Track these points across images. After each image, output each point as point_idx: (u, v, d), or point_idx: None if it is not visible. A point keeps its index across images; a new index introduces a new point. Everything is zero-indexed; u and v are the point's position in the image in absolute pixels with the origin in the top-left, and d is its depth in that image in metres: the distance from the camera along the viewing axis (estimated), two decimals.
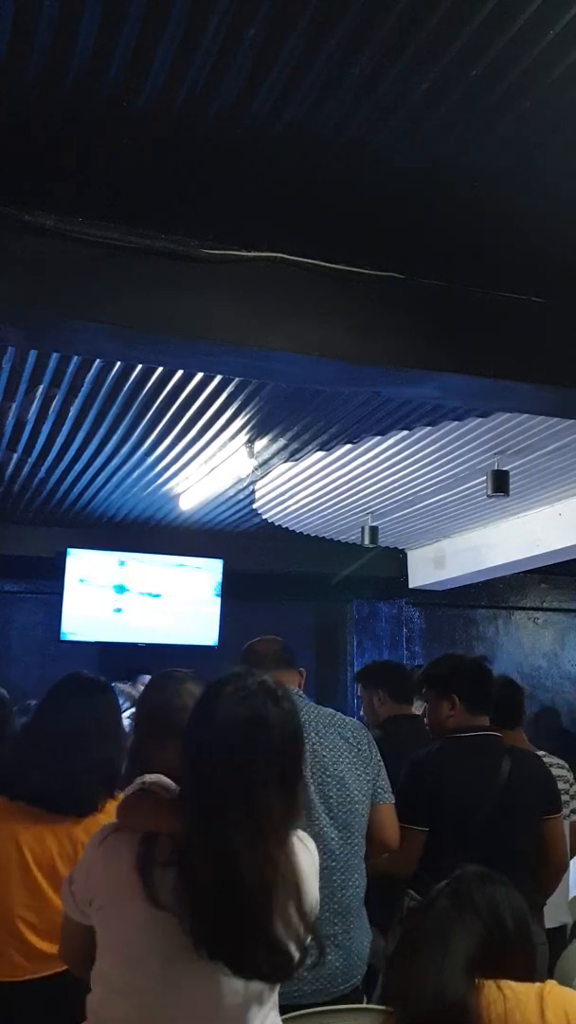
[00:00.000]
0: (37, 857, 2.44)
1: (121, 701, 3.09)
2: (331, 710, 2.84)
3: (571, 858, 3.60)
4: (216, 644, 8.26)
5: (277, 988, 1.78)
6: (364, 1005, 2.31)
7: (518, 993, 1.57)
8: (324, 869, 2.46)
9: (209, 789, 1.65)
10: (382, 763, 2.75)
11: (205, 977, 1.64)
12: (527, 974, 1.65)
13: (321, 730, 2.66)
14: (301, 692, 2.79)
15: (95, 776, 2.48)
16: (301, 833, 1.79)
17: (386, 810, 2.73)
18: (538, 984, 1.60)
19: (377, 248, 3.35)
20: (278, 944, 1.61)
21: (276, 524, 7.78)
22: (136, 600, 8.23)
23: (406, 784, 3.00)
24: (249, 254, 3.28)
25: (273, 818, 1.64)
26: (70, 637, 8.03)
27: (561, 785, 3.59)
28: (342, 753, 2.65)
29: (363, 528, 7.52)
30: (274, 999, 1.78)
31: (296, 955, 1.64)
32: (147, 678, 6.01)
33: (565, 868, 3.30)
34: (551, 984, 1.60)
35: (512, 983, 1.59)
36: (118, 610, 8.19)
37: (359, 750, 2.68)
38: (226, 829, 1.61)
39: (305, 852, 1.78)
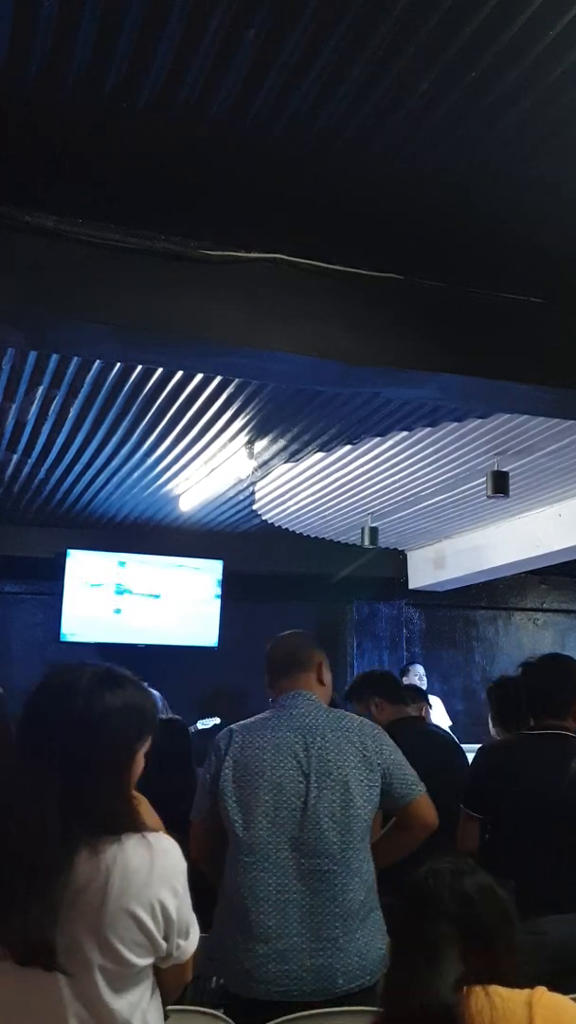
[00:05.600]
0: None
1: None
2: (342, 712, 2.85)
3: None
4: (216, 645, 8.26)
5: (129, 998, 1.64)
6: (363, 1008, 2.30)
7: (506, 1000, 1.55)
8: (325, 872, 2.51)
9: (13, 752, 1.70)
10: (396, 761, 2.72)
11: (28, 968, 1.58)
12: (511, 954, 1.63)
13: (328, 735, 2.67)
14: (312, 696, 2.76)
15: None
16: (155, 836, 1.69)
17: (420, 801, 2.73)
18: (527, 991, 1.58)
19: (377, 249, 3.35)
20: (15, 934, 1.55)
21: (276, 525, 7.78)
22: (136, 601, 8.22)
23: (472, 767, 3.21)
24: (249, 255, 3.28)
25: (47, 801, 1.60)
26: (70, 638, 8.02)
27: None
28: (348, 757, 2.65)
29: (363, 529, 7.52)
30: (126, 1011, 1.64)
31: (54, 946, 1.55)
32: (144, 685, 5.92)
33: None
34: (540, 991, 1.58)
35: (501, 990, 1.56)
36: (118, 611, 8.19)
37: (365, 755, 2.68)
38: (8, 792, 1.64)
39: (141, 853, 1.65)
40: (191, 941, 1.73)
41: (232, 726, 2.76)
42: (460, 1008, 1.53)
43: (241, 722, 2.81)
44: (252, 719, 2.81)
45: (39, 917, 1.54)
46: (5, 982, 1.60)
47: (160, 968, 1.71)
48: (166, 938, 1.66)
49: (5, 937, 1.56)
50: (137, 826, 1.67)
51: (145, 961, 1.64)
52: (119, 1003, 1.61)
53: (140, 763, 1.74)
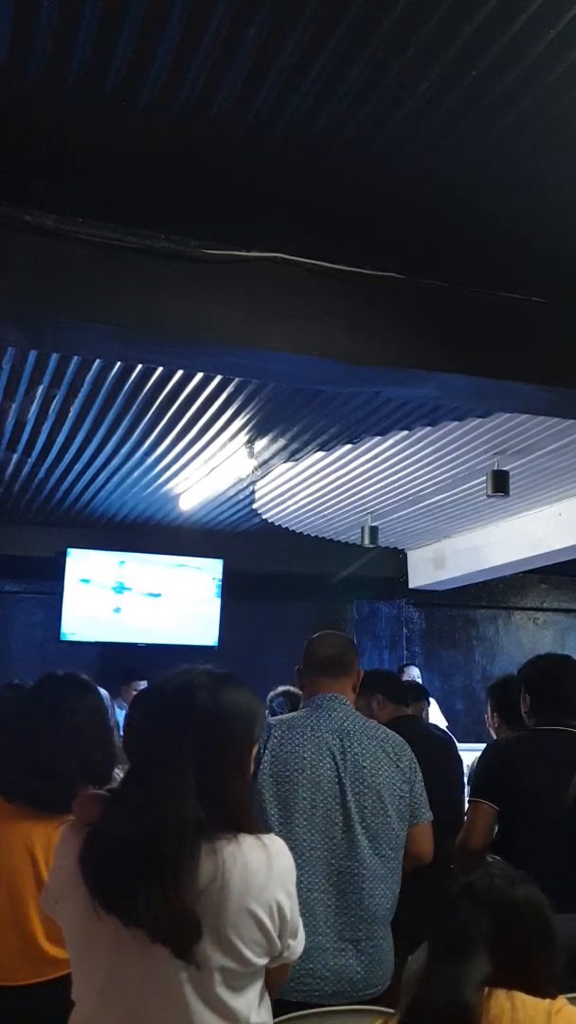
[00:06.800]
0: (47, 858, 2.43)
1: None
2: (376, 723, 2.86)
3: None
4: (216, 644, 8.26)
5: (247, 996, 1.68)
6: (365, 1007, 2.30)
7: (527, 1007, 1.56)
8: (355, 875, 2.56)
9: (135, 754, 1.72)
10: (419, 779, 2.76)
11: (151, 969, 1.60)
12: (550, 968, 1.66)
13: (364, 742, 2.69)
14: (347, 702, 2.78)
15: (80, 777, 2.45)
16: (268, 838, 1.73)
17: (424, 829, 2.76)
18: (548, 1001, 1.59)
19: (377, 248, 3.35)
20: (168, 907, 1.57)
21: (276, 524, 7.78)
22: (136, 600, 8.23)
23: (483, 761, 3.21)
24: (249, 254, 3.28)
25: (185, 790, 1.62)
26: (70, 637, 8.03)
27: None
28: (382, 767, 2.67)
29: (363, 528, 7.53)
30: (244, 1009, 1.68)
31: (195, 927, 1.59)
32: (144, 685, 5.94)
33: None
34: (561, 1002, 1.59)
35: (524, 996, 1.57)
36: (118, 610, 8.19)
37: (399, 766, 2.71)
38: (137, 789, 1.66)
39: (258, 854, 1.69)
40: (299, 941, 1.78)
41: (269, 719, 2.75)
42: (480, 1008, 1.54)
43: (277, 716, 2.84)
44: (289, 715, 2.85)
45: (188, 884, 1.58)
46: (131, 969, 1.62)
47: (267, 967, 1.74)
48: (280, 937, 1.70)
49: (152, 908, 1.58)
50: (252, 827, 1.71)
51: (262, 960, 1.68)
52: (238, 1001, 1.65)
53: (251, 765, 1.77)
